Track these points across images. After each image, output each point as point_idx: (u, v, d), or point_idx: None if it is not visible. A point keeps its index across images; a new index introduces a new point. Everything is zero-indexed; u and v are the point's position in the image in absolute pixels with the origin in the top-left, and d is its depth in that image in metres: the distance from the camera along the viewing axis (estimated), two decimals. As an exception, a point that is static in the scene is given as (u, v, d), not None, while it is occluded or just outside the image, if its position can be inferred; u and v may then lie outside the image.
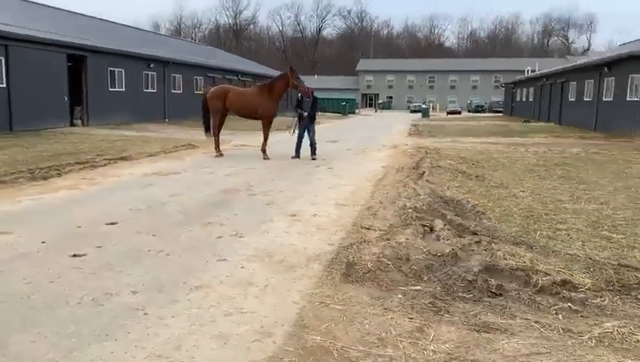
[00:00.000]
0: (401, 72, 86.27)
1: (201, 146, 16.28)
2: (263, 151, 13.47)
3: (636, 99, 22.52)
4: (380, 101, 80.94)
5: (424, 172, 10.66)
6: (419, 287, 4.50)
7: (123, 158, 12.95)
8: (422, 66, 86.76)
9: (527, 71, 51.98)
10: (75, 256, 5.32)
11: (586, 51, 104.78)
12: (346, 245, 5.63)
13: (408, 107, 73.86)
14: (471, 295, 4.35)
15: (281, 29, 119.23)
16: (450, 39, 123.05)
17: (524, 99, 46.55)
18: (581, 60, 31.66)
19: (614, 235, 6.17)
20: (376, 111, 69.60)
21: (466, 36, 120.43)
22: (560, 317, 4.03)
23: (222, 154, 13.81)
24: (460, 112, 62.53)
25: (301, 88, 13.30)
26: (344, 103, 53.46)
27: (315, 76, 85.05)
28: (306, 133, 13.71)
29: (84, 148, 14.66)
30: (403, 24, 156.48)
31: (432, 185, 9.25)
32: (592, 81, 27.74)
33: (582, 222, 6.86)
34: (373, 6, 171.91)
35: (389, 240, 5.64)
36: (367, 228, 6.41)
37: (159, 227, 6.53)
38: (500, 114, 57.43)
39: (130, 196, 8.61)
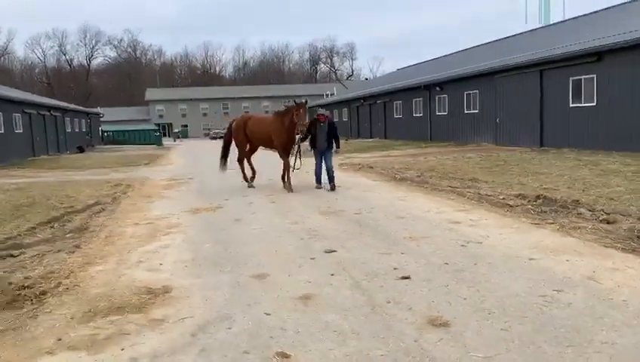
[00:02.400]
0: (194, 100, 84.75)
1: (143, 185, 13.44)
2: (283, 179, 11.93)
3: (472, 111, 25.90)
4: (176, 130, 78.05)
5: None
6: None
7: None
8: (214, 94, 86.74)
9: (326, 95, 55.79)
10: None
11: (350, 76, 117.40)
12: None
13: (207, 134, 72.93)
14: None
15: (42, 59, 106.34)
16: (227, 67, 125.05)
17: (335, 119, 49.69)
18: (401, 83, 35.15)
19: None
20: (175, 140, 66.61)
21: (242, 64, 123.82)
22: None
23: (252, 185, 12.64)
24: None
25: (298, 126, 11.49)
26: (157, 134, 50.11)
27: (99, 108, 77.95)
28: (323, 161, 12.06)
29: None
30: (178, 52, 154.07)
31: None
32: (422, 99, 31.05)
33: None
34: (145, 35, 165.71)
35: None
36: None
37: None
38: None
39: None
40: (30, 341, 3.96)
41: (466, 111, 26.63)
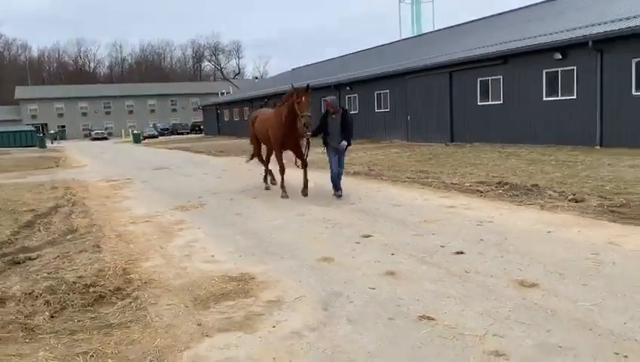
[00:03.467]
0: (71, 99, 79.01)
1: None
2: (282, 187, 10.17)
3: (383, 110, 27.48)
4: (52, 131, 72.27)
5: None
6: None
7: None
8: (94, 92, 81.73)
9: (221, 93, 55.24)
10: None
11: (237, 75, 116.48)
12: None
13: (88, 135, 68.72)
14: None
15: None
16: (103, 64, 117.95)
17: (236, 119, 49.39)
18: (311, 82, 35.94)
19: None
20: (52, 142, 61.55)
21: (120, 61, 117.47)
22: None
23: (268, 186, 11.44)
24: (157, 136, 61.49)
25: (302, 113, 9.09)
26: (40, 135, 46.25)
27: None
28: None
29: None
30: (46, 47, 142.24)
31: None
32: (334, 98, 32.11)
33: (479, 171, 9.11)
34: (7, 28, 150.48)
35: None
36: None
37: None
38: (202, 134, 59.29)
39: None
40: (170, 328, 4.04)
41: (377, 110, 28.11)
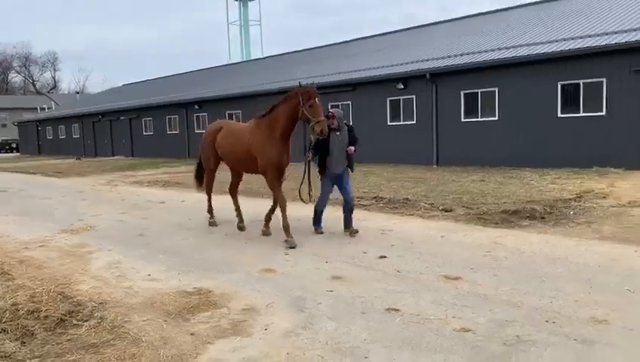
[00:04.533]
0: None
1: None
2: (285, 229, 7.36)
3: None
4: None
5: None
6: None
7: None
8: None
9: (42, 109, 50.61)
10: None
11: (52, 89, 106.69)
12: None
13: None
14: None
15: None
16: None
17: (62, 136, 45.47)
18: (155, 100, 34.89)
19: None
20: None
21: None
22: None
23: (214, 222, 9.02)
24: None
25: (317, 119, 6.97)
26: None
27: None
28: (336, 188, 7.97)
29: None
30: None
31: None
32: (177, 116, 31.71)
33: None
34: None
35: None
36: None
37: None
38: (16, 153, 53.40)
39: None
40: (166, 340, 4.15)
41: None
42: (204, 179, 9.30)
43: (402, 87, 19.78)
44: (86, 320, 4.62)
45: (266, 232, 7.94)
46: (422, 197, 11.33)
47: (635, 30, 14.71)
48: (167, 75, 47.34)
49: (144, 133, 35.13)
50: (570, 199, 10.13)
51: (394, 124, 20.52)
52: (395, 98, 20.33)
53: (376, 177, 15.79)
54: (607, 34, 15.38)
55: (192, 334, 4.25)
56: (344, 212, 7.92)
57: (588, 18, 18.00)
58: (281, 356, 3.82)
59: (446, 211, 9.65)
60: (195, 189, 9.94)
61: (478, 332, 4.15)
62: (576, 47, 15.27)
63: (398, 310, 4.69)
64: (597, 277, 5.42)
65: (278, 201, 7.54)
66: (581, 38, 15.89)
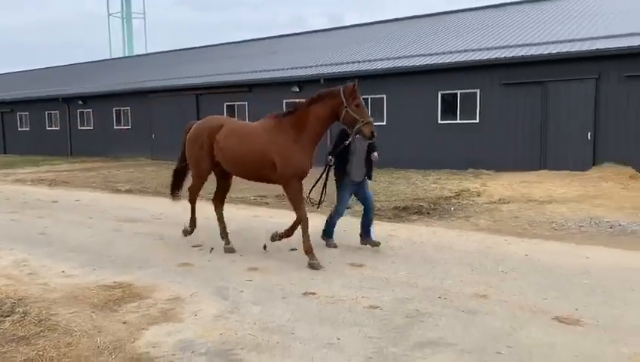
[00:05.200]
0: None
1: None
2: (308, 252, 6.31)
3: (124, 127, 27.06)
4: None
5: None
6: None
7: None
8: None
9: None
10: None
11: None
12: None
13: None
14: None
15: None
16: None
17: None
18: (32, 93, 32.44)
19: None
20: None
21: None
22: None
23: (190, 229, 7.54)
24: None
25: (366, 120, 6.13)
26: None
27: None
28: (354, 197, 7.33)
29: None
30: None
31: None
32: (58, 112, 29.88)
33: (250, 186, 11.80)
34: None
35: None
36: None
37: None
38: None
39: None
40: (100, 328, 4.34)
41: (116, 127, 27.39)
42: (181, 186, 7.73)
43: (298, 90, 20.48)
44: (7, 316, 4.63)
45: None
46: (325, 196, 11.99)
47: (504, 47, 16.64)
48: (45, 66, 44.09)
49: (19, 129, 32.61)
50: (450, 197, 11.37)
51: (289, 125, 21.15)
52: (292, 100, 20.97)
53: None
54: (480, 50, 17.23)
55: (124, 322, 4.47)
56: (364, 220, 7.12)
57: (472, 33, 19.85)
58: (215, 336, 4.19)
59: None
60: (171, 198, 7.83)
61: (384, 308, 4.81)
62: (454, 60, 16.93)
63: (314, 293, 5.23)
64: (476, 261, 6.37)
65: (301, 219, 6.34)
66: (459, 52, 17.63)
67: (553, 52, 14.91)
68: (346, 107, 6.10)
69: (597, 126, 14.52)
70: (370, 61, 19.76)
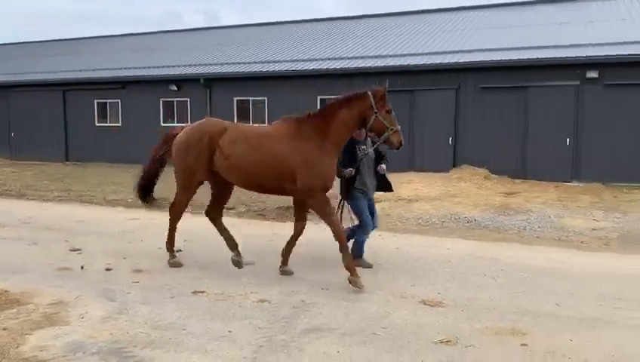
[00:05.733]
0: None
1: None
2: (348, 268, 5.60)
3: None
4: None
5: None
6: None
7: None
8: None
9: None
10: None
11: None
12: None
13: None
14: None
15: None
16: None
17: None
18: None
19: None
20: None
21: None
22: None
23: (178, 262, 6.47)
24: None
25: (395, 127, 5.70)
26: None
27: None
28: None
29: None
30: None
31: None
32: None
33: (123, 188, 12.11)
34: None
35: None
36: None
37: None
38: None
39: None
40: (-24, 338, 4.15)
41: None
42: (153, 189, 6.76)
43: (176, 88, 20.09)
44: None
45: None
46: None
47: (376, 57, 17.77)
48: None
49: None
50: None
51: (168, 125, 20.65)
52: (169, 100, 20.53)
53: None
54: (354, 58, 18.22)
55: (4, 329, 4.30)
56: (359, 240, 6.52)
57: (356, 41, 20.73)
58: (105, 336, 4.21)
59: (228, 209, 10.53)
60: (142, 204, 7.01)
61: (273, 301, 5.12)
62: (331, 67, 17.74)
63: (203, 292, 5.39)
64: (355, 255, 6.89)
65: (335, 231, 5.65)
66: (335, 59, 18.47)
67: (419, 63, 16.27)
68: (376, 112, 5.61)
69: (457, 131, 16.09)
70: (248, 63, 19.92)
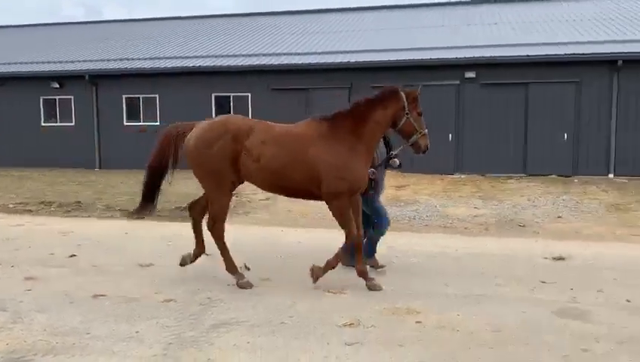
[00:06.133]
0: None
1: None
2: (363, 274, 5.54)
3: None
4: None
5: None
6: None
7: None
8: None
9: None
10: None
11: None
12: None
13: None
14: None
15: None
16: None
17: None
18: None
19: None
20: None
21: None
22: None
23: (249, 283, 5.64)
24: None
25: (424, 131, 5.57)
26: None
27: None
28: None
29: None
30: None
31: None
32: None
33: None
34: None
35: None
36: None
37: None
38: None
39: None
40: None
41: None
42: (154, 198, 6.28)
43: (58, 86, 18.89)
44: None
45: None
46: (94, 199, 11.50)
47: (272, 55, 17.93)
48: None
49: None
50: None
51: (49, 124, 19.38)
52: (51, 97, 19.25)
53: (34, 182, 14.86)
54: (249, 55, 18.25)
55: None
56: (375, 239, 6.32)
57: (246, 37, 20.70)
58: (1, 347, 4.00)
59: (122, 211, 10.20)
60: (138, 214, 6.58)
61: (179, 300, 5.12)
62: (226, 64, 17.64)
63: (104, 295, 5.25)
64: (259, 249, 7.04)
65: (353, 240, 5.44)
66: (229, 56, 18.37)
67: (313, 62, 16.69)
68: (408, 114, 5.44)
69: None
70: (137, 59, 19.24)
